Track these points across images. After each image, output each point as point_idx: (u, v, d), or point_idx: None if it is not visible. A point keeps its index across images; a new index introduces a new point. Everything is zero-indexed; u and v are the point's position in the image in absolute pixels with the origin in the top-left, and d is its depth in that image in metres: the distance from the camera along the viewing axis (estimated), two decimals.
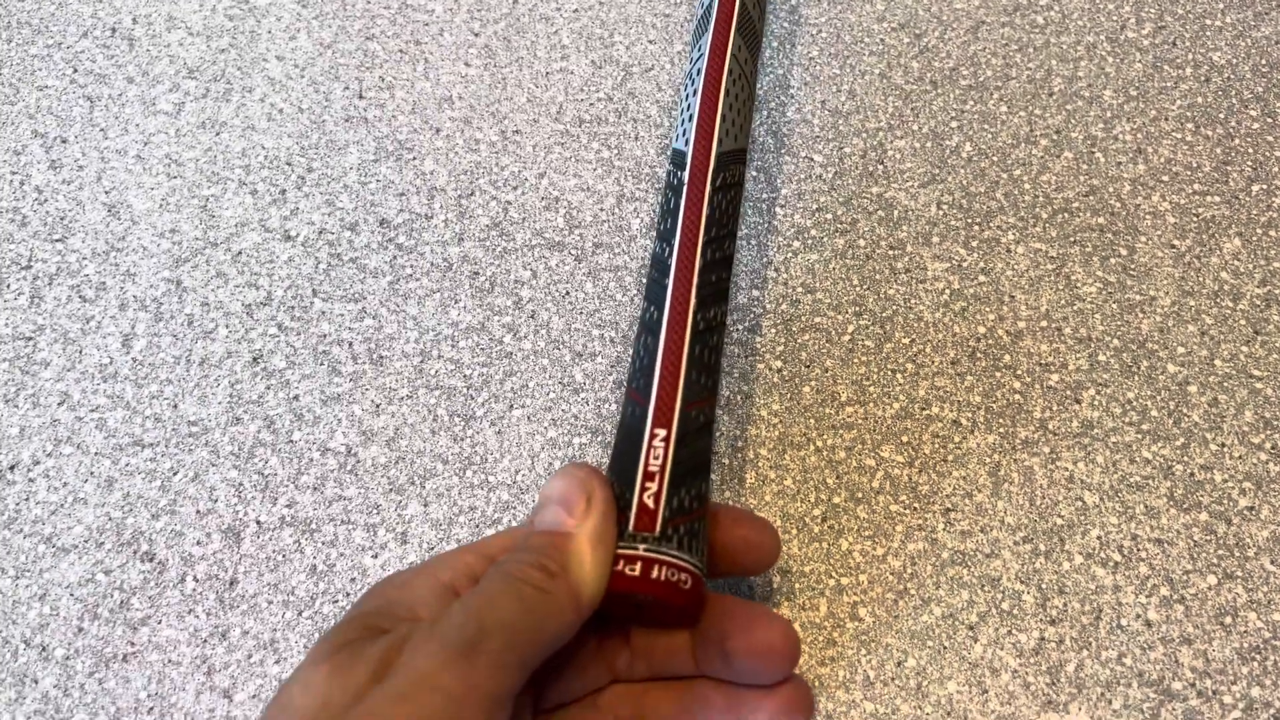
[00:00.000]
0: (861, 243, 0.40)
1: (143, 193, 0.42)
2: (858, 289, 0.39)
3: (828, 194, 0.42)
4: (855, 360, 0.38)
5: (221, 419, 0.37)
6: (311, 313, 0.39)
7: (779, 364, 0.38)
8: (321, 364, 0.38)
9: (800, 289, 0.39)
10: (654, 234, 0.36)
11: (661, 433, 0.28)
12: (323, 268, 0.40)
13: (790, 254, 0.40)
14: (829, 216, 0.41)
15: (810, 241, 0.40)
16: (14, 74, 0.46)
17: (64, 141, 0.44)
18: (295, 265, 0.40)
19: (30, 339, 0.38)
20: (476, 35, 0.47)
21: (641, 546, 0.26)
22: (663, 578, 0.26)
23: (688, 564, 0.27)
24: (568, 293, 0.39)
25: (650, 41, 0.46)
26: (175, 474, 0.36)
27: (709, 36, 0.37)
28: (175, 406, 0.37)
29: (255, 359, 0.38)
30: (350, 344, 0.38)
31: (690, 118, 0.35)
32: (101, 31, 0.47)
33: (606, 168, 0.43)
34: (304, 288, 0.40)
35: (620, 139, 0.43)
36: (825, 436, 0.36)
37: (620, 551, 0.26)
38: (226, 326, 0.39)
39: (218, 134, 0.44)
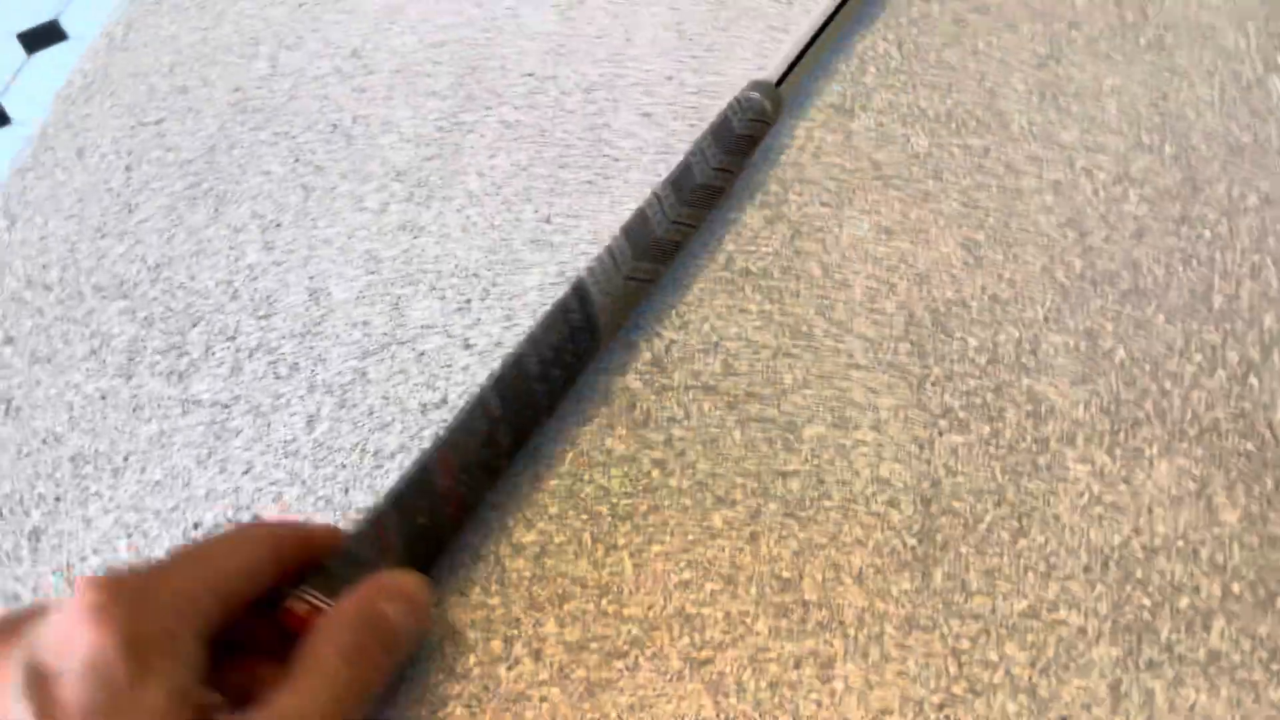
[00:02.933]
0: (1008, 433, 0.42)
1: (343, 283, 0.46)
2: (999, 479, 0.40)
3: (978, 379, 0.43)
4: (989, 550, 0.39)
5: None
6: None
7: (913, 542, 0.39)
8: None
9: (943, 470, 0.41)
10: None
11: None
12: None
13: (936, 433, 0.42)
14: (978, 401, 0.42)
15: (956, 424, 0.42)
16: (243, 155, 0.51)
17: (278, 225, 0.48)
18: (471, 373, 0.43)
19: (227, 407, 0.42)
20: (657, 177, 0.50)
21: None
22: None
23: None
24: (715, 438, 0.42)
25: (823, 204, 0.49)
26: None
27: None
28: (346, 492, 0.40)
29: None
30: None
31: None
32: (324, 126, 0.52)
33: (766, 320, 0.45)
34: None
35: (782, 294, 0.46)
36: (952, 623, 0.37)
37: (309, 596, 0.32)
38: (402, 423, 0.42)
39: (416, 237, 0.48)
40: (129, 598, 0.27)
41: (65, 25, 1.90)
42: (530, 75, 0.54)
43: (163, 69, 0.55)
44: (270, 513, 0.40)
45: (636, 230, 0.43)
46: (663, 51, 0.55)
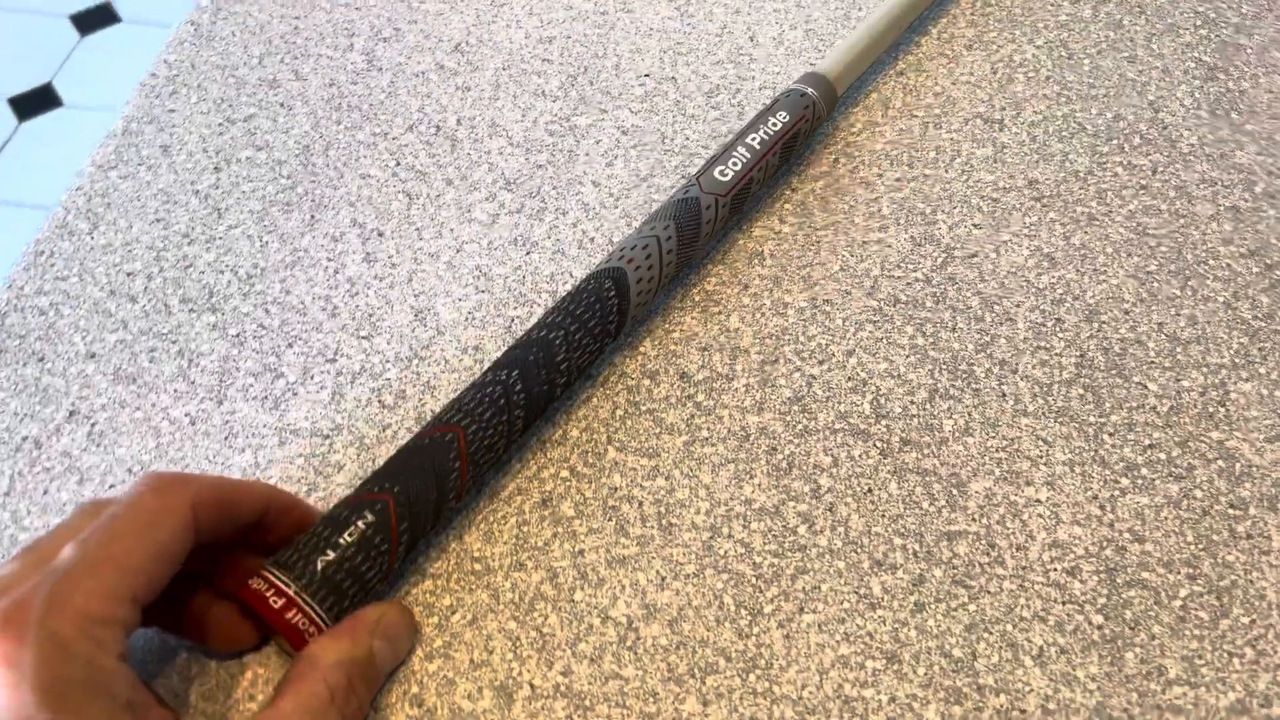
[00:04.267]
0: (1198, 494, 0.37)
1: (450, 302, 0.42)
2: (1192, 547, 0.36)
3: (1161, 430, 0.38)
4: (1187, 632, 0.34)
5: (505, 561, 0.35)
6: (604, 461, 0.38)
7: (1099, 619, 0.34)
8: (610, 519, 0.36)
9: (1128, 535, 0.36)
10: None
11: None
12: (619, 414, 0.39)
13: (1118, 491, 0.37)
14: (1162, 456, 0.38)
15: (1140, 482, 0.37)
16: (340, 157, 0.47)
17: (380, 235, 0.44)
18: (593, 407, 0.39)
19: (328, 438, 0.38)
20: (794, 191, 0.45)
21: (294, 585, 0.30)
22: (295, 623, 0.30)
23: (320, 622, 0.31)
24: (870, 490, 0.37)
25: (975, 225, 0.44)
26: (453, 613, 0.34)
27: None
28: (461, 538, 0.36)
29: (544, 501, 0.37)
30: (640, 503, 0.37)
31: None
32: (426, 128, 0.48)
33: (920, 356, 0.40)
34: (599, 433, 0.38)
35: (936, 327, 0.41)
36: (1150, 716, 0.32)
37: (274, 577, 0.31)
38: (520, 460, 0.38)
39: (528, 253, 0.43)
40: (38, 638, 0.24)
41: (118, 8, 1.89)
42: (647, 76, 0.50)
43: (252, 61, 0.51)
44: None
45: (686, 221, 0.40)
46: (790, 52, 0.51)
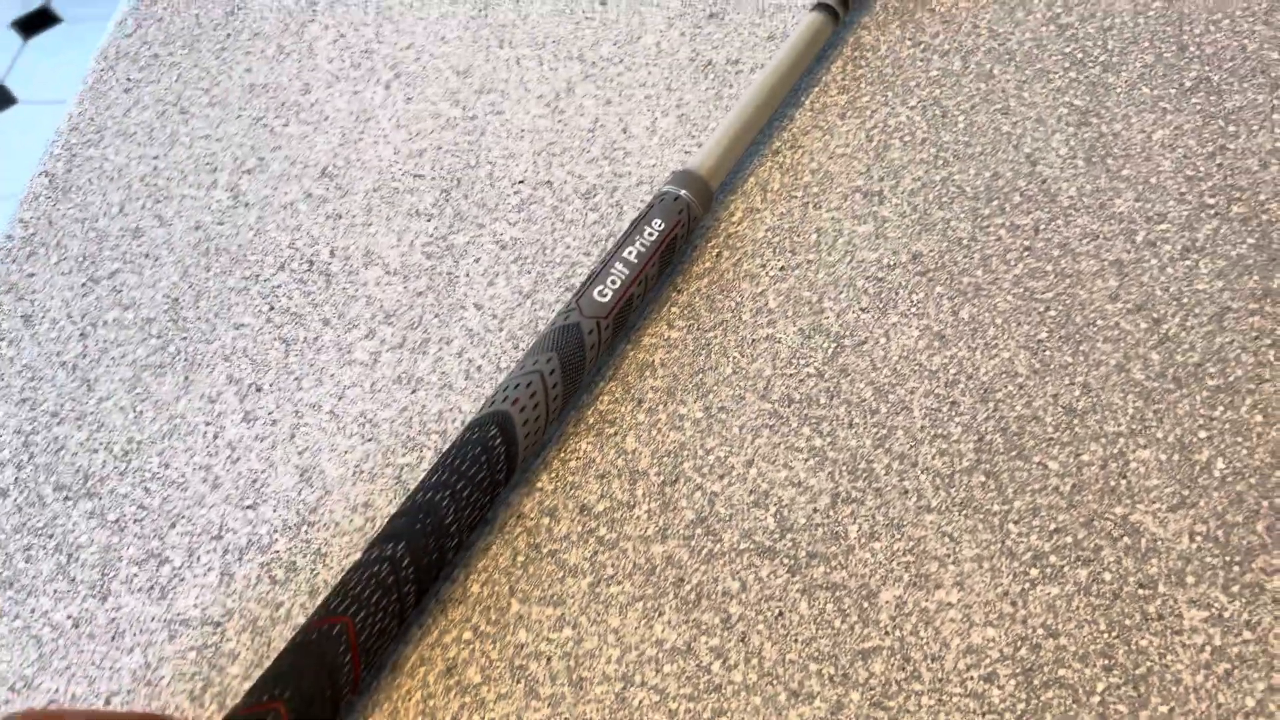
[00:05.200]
0: (1107, 576, 0.37)
1: (336, 456, 0.41)
2: (1106, 636, 0.35)
3: (1066, 511, 0.38)
4: None
5: None
6: (508, 616, 0.37)
7: None
8: (518, 681, 0.35)
9: (1041, 631, 0.36)
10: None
11: None
12: (520, 560, 0.38)
13: (1027, 584, 0.36)
14: (1069, 540, 0.37)
15: (1050, 571, 0.37)
16: (211, 307, 0.45)
17: (258, 390, 0.43)
18: (492, 556, 0.38)
19: (219, 625, 0.37)
20: (679, 292, 0.45)
21: None
22: None
23: None
24: (780, 613, 0.36)
25: (862, 309, 0.44)
26: None
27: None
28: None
29: (449, 669, 0.36)
30: (549, 659, 0.36)
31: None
32: (299, 264, 0.46)
33: (819, 459, 0.40)
34: (500, 584, 0.37)
35: (833, 425, 0.40)
36: None
37: None
38: (419, 625, 0.36)
39: (414, 391, 0.42)
40: None
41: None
42: (522, 183, 0.49)
43: (112, 210, 0.49)
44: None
45: (569, 350, 0.39)
46: (664, 140, 0.50)
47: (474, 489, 0.36)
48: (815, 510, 0.38)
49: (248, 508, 0.39)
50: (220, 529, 0.39)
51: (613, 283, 0.41)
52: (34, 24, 2.04)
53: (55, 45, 2.04)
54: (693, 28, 0.54)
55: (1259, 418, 0.40)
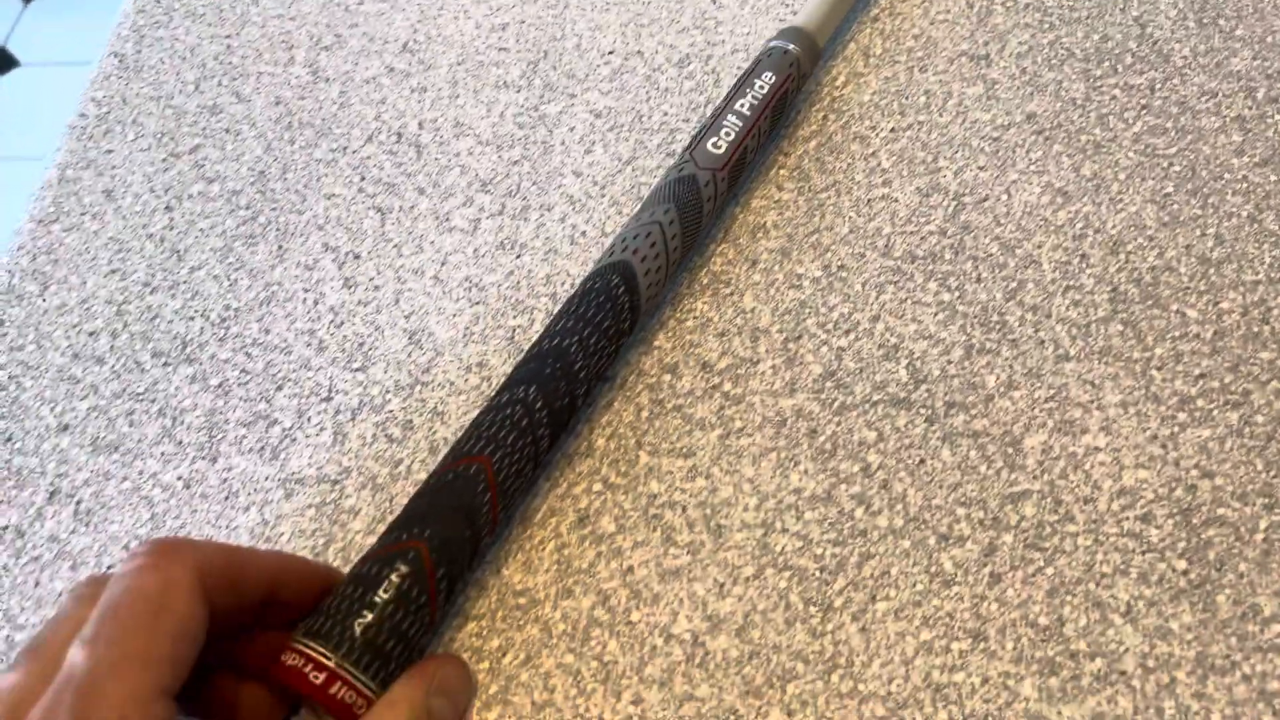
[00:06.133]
0: (1259, 419, 0.35)
1: (445, 319, 0.39)
2: (1264, 476, 0.34)
3: (1209, 357, 0.37)
4: (1275, 565, 0.32)
5: (550, 590, 0.33)
6: (638, 468, 0.35)
7: (1183, 564, 0.32)
8: (655, 530, 0.34)
9: (1196, 472, 0.34)
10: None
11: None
12: (645, 416, 0.36)
13: (1176, 428, 0.35)
14: (1215, 385, 0.36)
15: (1198, 414, 0.35)
16: (299, 179, 0.44)
17: (357, 258, 0.41)
18: (615, 412, 0.36)
19: (337, 483, 0.35)
20: (786, 155, 0.43)
21: (333, 656, 0.27)
22: (341, 697, 0.27)
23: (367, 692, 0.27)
24: (922, 460, 0.35)
25: (980, 168, 0.42)
26: (504, 654, 0.32)
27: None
28: (499, 573, 0.33)
29: (581, 519, 0.34)
30: (684, 508, 0.34)
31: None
32: (387, 136, 0.45)
33: (949, 313, 0.38)
34: (627, 438, 0.36)
35: (960, 279, 0.39)
36: (1254, 660, 0.31)
37: (309, 649, 0.27)
38: (548, 480, 0.35)
39: (518, 256, 0.41)
40: None
41: (15, 52, 1.82)
42: (611, 53, 0.47)
43: (187, 88, 0.47)
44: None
45: (687, 201, 0.37)
46: (756, 10, 0.48)
47: (600, 336, 0.35)
48: (949, 362, 0.37)
49: (356, 370, 0.38)
50: (330, 390, 0.37)
51: (727, 135, 0.39)
52: None
53: (57, 7, 2.02)
54: None
55: None
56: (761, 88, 0.41)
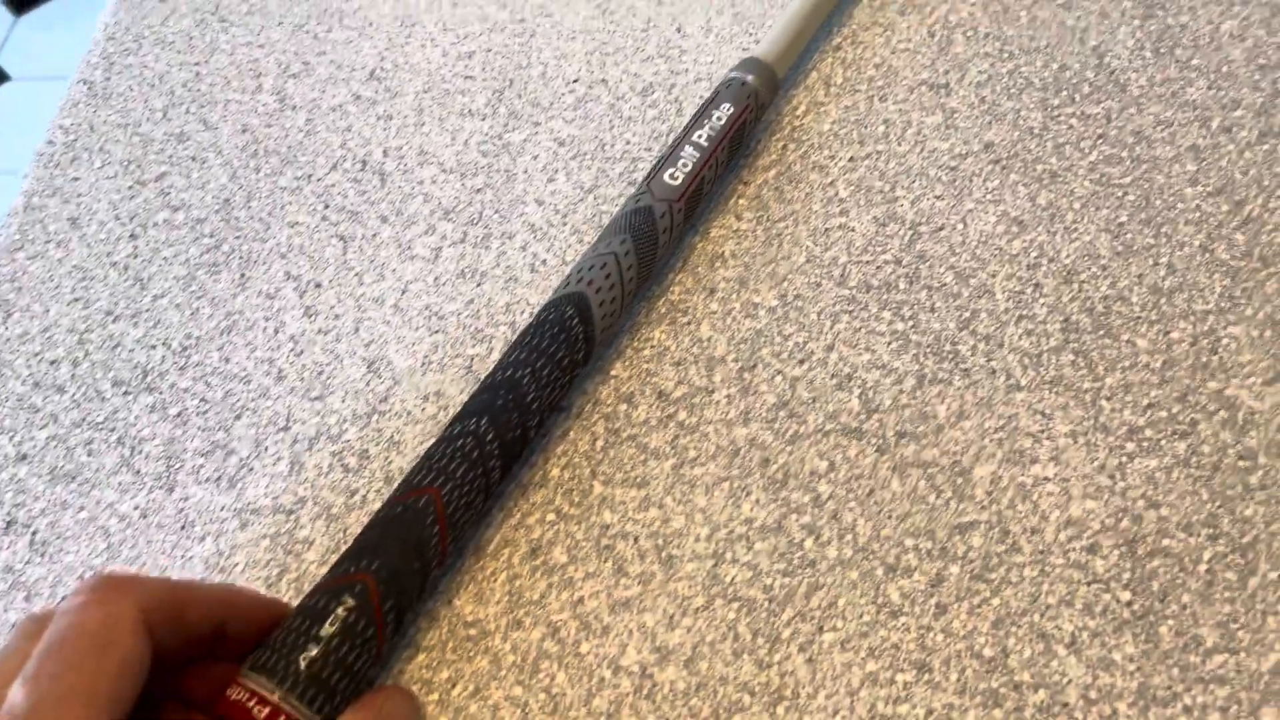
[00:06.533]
0: (1206, 449, 0.36)
1: (404, 348, 0.39)
2: (1209, 506, 0.34)
3: (1158, 387, 0.37)
4: (1217, 596, 0.33)
5: (501, 621, 0.33)
6: (591, 498, 0.35)
7: (1127, 595, 0.33)
8: (606, 560, 0.34)
9: (1142, 502, 0.35)
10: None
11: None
12: (600, 445, 0.37)
13: (1124, 458, 0.35)
14: (1163, 414, 0.36)
15: (1146, 445, 0.36)
16: (263, 207, 0.44)
17: (318, 286, 0.41)
18: (571, 441, 0.37)
19: (292, 513, 0.36)
20: (746, 184, 0.43)
21: (277, 690, 0.27)
22: None
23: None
24: (872, 491, 0.35)
25: (937, 197, 0.42)
26: (453, 686, 0.32)
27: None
28: (450, 603, 0.34)
29: (533, 550, 0.34)
30: (636, 538, 0.35)
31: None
32: (351, 164, 0.45)
33: (903, 342, 0.39)
34: (581, 468, 0.36)
35: (915, 309, 0.39)
36: (1195, 692, 0.31)
37: (253, 683, 0.28)
38: (501, 510, 0.35)
39: (479, 284, 0.41)
40: None
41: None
42: (576, 81, 0.47)
43: (155, 115, 0.48)
44: None
45: (643, 232, 0.37)
46: (721, 39, 0.48)
47: (554, 367, 0.35)
48: (901, 391, 0.37)
49: (315, 399, 0.38)
50: (287, 420, 0.38)
51: (684, 166, 0.40)
52: (26, 0, 2.03)
53: (48, 21, 2.03)
54: None
55: None
56: (719, 119, 0.41)
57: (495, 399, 0.34)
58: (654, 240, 0.38)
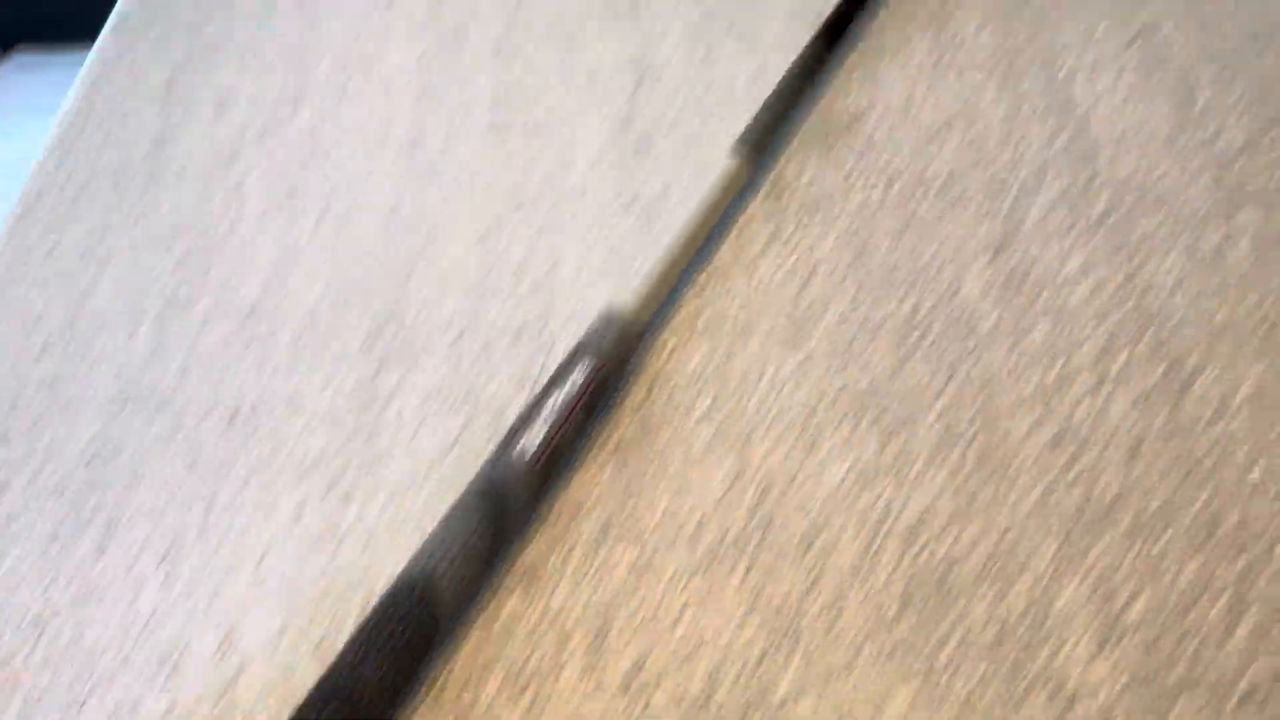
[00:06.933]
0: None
1: (256, 623, 0.40)
2: None
3: (989, 661, 0.38)
4: None
5: None
6: None
7: None
8: None
9: None
10: None
11: None
12: None
13: None
14: (1000, 692, 0.38)
15: None
16: (131, 462, 0.45)
17: (179, 552, 0.42)
18: None
19: None
20: (612, 430, 0.45)
21: None
22: None
23: None
24: None
25: (791, 446, 0.44)
26: None
27: None
28: None
29: None
30: None
31: None
32: (222, 413, 0.46)
33: (748, 610, 0.40)
34: None
35: (762, 573, 0.40)
36: None
37: None
38: None
39: (338, 546, 0.42)
40: None
41: None
42: (449, 324, 0.49)
43: (30, 357, 0.48)
44: None
45: (492, 505, 0.38)
46: (598, 274, 0.50)
47: (393, 669, 0.35)
48: (743, 670, 0.38)
49: (165, 679, 0.38)
50: (136, 704, 0.38)
51: (540, 431, 0.41)
52: None
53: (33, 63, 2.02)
54: (619, 161, 0.55)
55: (1172, 556, 0.41)
56: (577, 380, 0.43)
57: (328, 703, 0.34)
58: (505, 512, 0.39)
